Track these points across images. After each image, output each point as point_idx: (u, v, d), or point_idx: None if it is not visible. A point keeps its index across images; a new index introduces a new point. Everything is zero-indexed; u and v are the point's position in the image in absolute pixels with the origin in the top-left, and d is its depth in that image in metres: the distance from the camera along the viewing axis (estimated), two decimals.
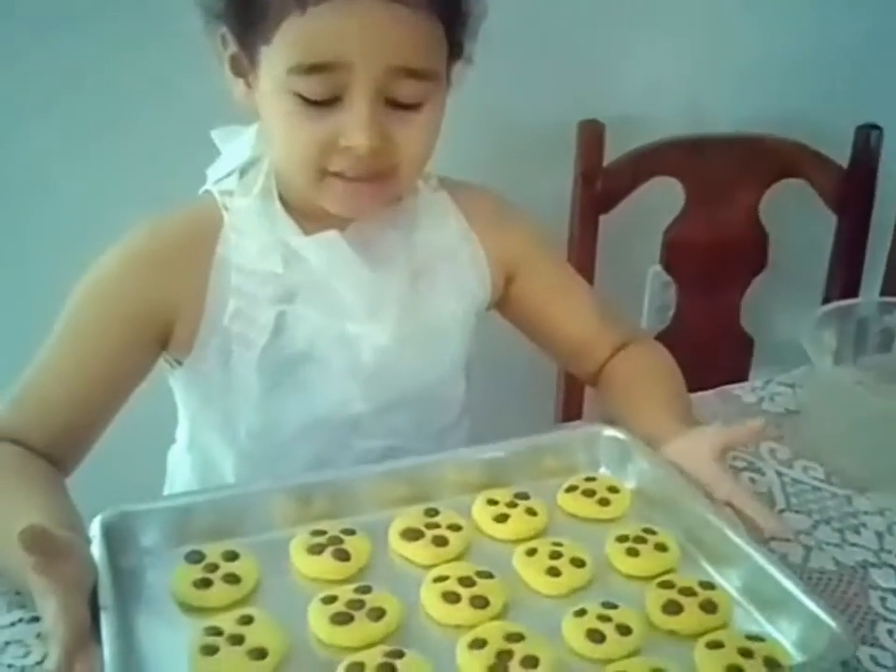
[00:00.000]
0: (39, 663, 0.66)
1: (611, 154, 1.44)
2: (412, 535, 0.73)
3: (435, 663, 0.62)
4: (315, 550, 0.70)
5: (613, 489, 0.80)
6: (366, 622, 0.64)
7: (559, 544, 0.73)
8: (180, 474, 0.97)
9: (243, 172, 0.85)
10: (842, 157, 1.53)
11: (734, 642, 0.64)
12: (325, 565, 0.70)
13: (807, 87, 1.59)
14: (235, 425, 0.87)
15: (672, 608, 0.67)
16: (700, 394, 1.02)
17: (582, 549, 0.73)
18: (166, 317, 0.83)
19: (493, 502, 0.77)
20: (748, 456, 0.94)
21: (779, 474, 0.92)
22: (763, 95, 1.58)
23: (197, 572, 0.68)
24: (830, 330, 1.01)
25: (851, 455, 0.92)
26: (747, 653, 0.63)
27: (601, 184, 1.44)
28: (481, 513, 0.77)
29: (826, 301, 1.56)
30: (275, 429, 0.87)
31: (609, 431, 0.84)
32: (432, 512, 0.75)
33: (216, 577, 0.68)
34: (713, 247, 1.51)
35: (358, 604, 0.65)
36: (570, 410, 1.53)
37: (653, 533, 0.75)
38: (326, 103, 0.75)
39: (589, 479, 0.81)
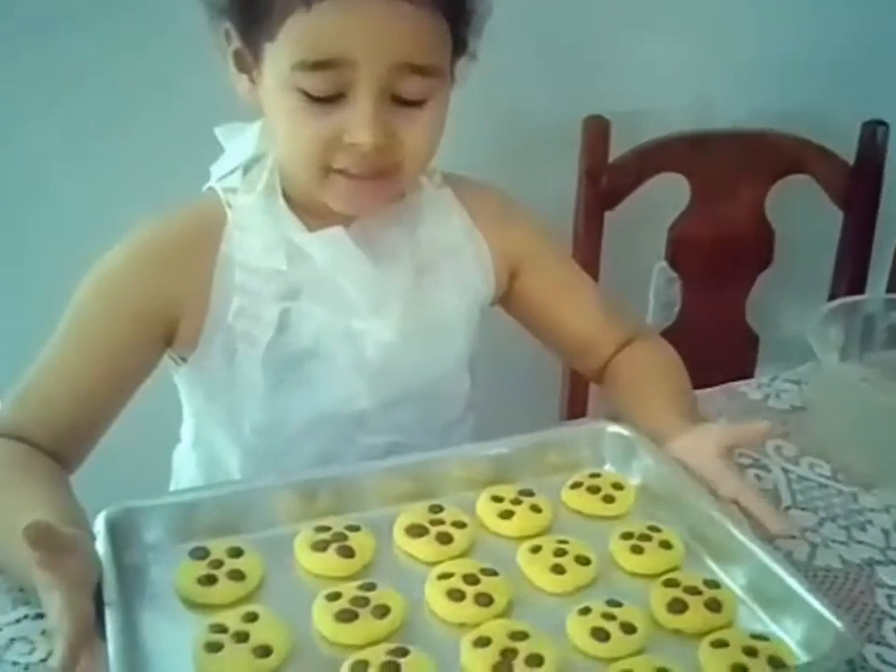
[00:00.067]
0: (44, 660, 0.66)
1: (617, 150, 1.44)
2: (416, 531, 0.73)
3: (439, 661, 0.62)
4: (320, 546, 0.70)
5: (618, 486, 0.80)
6: (370, 619, 0.64)
7: (564, 542, 0.73)
8: (186, 472, 0.97)
9: (246, 169, 0.85)
10: (848, 153, 1.53)
11: (738, 641, 0.64)
12: (329, 561, 0.70)
13: (814, 83, 1.59)
14: (240, 421, 0.88)
15: (677, 606, 0.67)
16: (705, 390, 1.01)
17: (587, 546, 0.72)
18: (171, 315, 0.83)
19: (497, 499, 0.77)
20: (753, 453, 0.93)
21: (785, 471, 0.92)
22: (769, 91, 1.58)
23: (201, 568, 0.68)
24: (836, 327, 1.01)
25: (857, 451, 0.92)
26: (751, 652, 0.63)
27: (606, 180, 1.44)
28: (485, 510, 0.76)
29: (832, 297, 1.55)
30: (280, 426, 0.87)
31: (614, 428, 0.84)
32: (436, 509, 0.75)
33: (220, 573, 0.68)
34: (719, 243, 1.51)
35: (363, 601, 0.65)
36: (575, 406, 1.53)
37: (658, 530, 0.74)
38: (330, 99, 0.74)
39: (594, 475, 0.81)
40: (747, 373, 1.38)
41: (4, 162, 1.23)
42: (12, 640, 0.68)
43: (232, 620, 0.63)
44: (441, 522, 0.74)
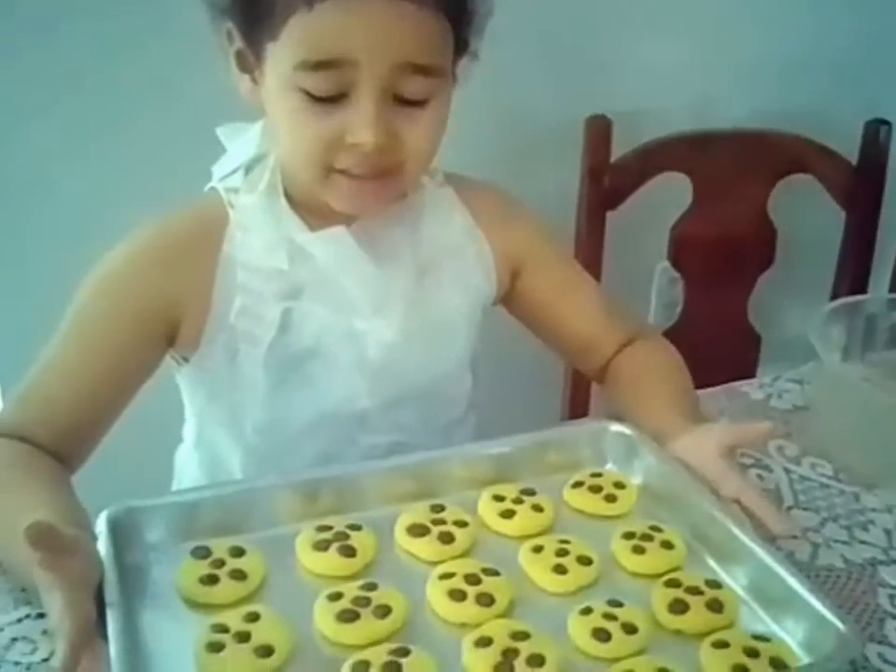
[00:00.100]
0: (46, 659, 0.66)
1: (619, 150, 1.44)
2: (417, 531, 0.73)
3: (440, 661, 0.62)
4: (321, 546, 0.70)
5: (620, 485, 0.80)
6: (371, 619, 0.64)
7: (566, 541, 0.73)
8: (188, 472, 0.97)
9: (248, 169, 0.85)
10: (851, 152, 1.52)
11: (740, 642, 0.64)
12: (331, 561, 0.70)
13: (815, 82, 1.59)
14: (242, 421, 0.88)
15: (678, 607, 0.67)
16: (707, 390, 1.01)
17: (589, 546, 0.72)
18: (173, 314, 0.83)
19: (499, 498, 0.77)
20: (755, 453, 0.93)
21: (787, 471, 0.92)
22: (771, 90, 1.57)
23: (203, 568, 0.68)
24: (838, 327, 1.01)
25: (859, 451, 0.92)
26: (753, 653, 0.63)
27: (608, 180, 1.44)
28: (487, 509, 0.76)
29: (834, 297, 1.55)
30: (282, 425, 0.87)
31: (616, 427, 0.84)
32: (438, 508, 0.75)
33: (222, 573, 0.67)
34: (721, 243, 1.51)
35: (364, 601, 0.65)
36: (577, 406, 1.53)
37: (659, 530, 0.74)
38: (332, 99, 0.74)
39: (595, 475, 0.81)
40: (749, 373, 1.38)
41: (4, 162, 1.23)
42: (14, 640, 0.68)
43: (234, 620, 0.63)
44: (443, 521, 0.74)
